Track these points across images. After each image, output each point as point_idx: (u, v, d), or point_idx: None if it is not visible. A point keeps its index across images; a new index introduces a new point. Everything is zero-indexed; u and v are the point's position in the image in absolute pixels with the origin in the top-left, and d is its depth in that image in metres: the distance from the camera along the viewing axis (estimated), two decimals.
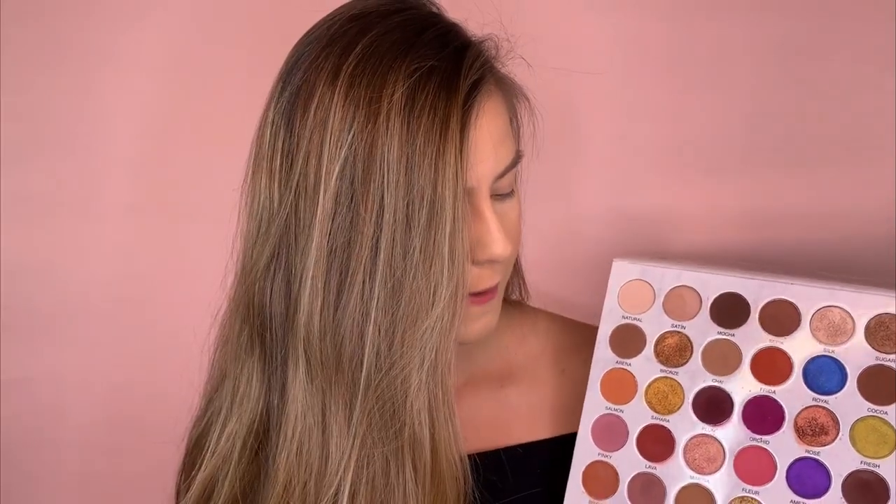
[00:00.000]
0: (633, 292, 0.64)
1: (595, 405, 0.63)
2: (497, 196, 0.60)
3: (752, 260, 0.86)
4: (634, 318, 0.64)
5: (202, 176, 0.91)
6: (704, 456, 0.59)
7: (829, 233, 0.84)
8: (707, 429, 0.59)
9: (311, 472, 0.59)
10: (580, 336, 0.72)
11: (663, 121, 0.89)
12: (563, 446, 0.65)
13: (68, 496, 1.01)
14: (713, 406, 0.60)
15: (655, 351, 0.62)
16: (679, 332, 0.62)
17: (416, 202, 0.53)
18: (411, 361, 0.55)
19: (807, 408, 0.57)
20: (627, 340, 0.63)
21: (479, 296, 0.62)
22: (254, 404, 0.62)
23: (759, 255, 0.86)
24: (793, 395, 0.58)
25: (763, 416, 0.58)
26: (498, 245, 0.58)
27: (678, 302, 0.63)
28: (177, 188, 0.96)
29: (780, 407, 0.58)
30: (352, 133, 0.53)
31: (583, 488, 0.62)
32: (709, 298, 0.62)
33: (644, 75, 0.89)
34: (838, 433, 0.56)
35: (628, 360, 0.63)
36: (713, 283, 0.62)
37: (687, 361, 0.61)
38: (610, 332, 0.64)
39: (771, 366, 0.59)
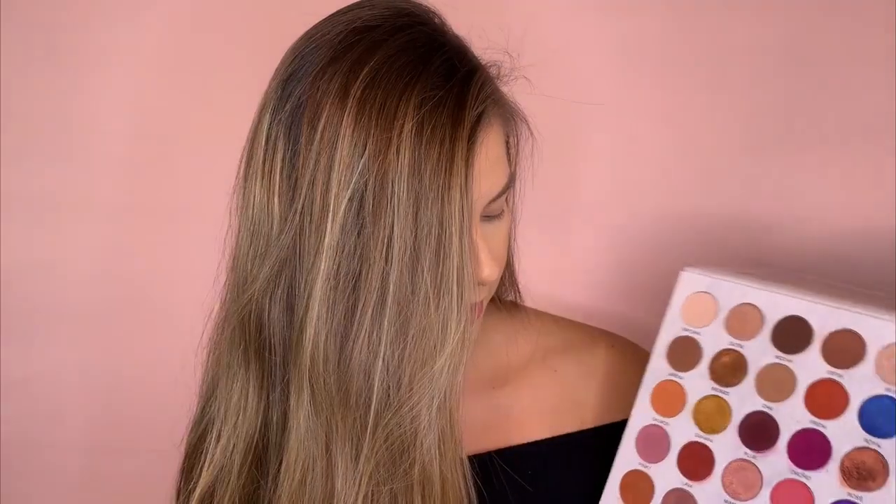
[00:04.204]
0: (697, 304, 0.62)
1: (642, 414, 0.62)
2: (486, 217, 0.59)
3: (766, 265, 0.83)
4: (694, 332, 0.62)
5: (201, 176, 0.87)
6: (742, 482, 0.57)
7: (829, 233, 0.83)
8: (749, 454, 0.57)
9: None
10: (572, 335, 0.71)
11: (662, 122, 0.88)
12: (555, 448, 0.65)
13: (67, 496, 1.00)
14: (759, 432, 0.57)
15: (710, 368, 0.60)
16: (736, 350, 0.59)
17: (422, 236, 0.53)
18: (421, 400, 0.55)
19: (857, 449, 0.53)
20: (684, 353, 0.62)
21: None
22: (251, 419, 0.61)
23: (758, 255, 0.85)
24: (844, 432, 0.54)
25: (809, 449, 0.55)
26: (486, 269, 0.57)
27: (740, 319, 0.60)
28: (176, 188, 0.94)
29: (829, 443, 0.54)
30: (363, 161, 0.52)
31: (619, 494, 0.61)
32: (772, 320, 0.59)
33: (643, 76, 0.87)
34: (886, 480, 0.52)
35: (681, 374, 0.61)
36: (779, 305, 0.59)
37: (740, 382, 0.59)
38: (668, 344, 0.62)
39: (826, 399, 0.55)
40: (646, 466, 0.61)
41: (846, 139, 0.82)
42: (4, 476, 0.98)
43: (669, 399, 0.61)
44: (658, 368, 0.62)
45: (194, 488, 0.63)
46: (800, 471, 0.55)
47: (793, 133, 0.83)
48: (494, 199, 0.58)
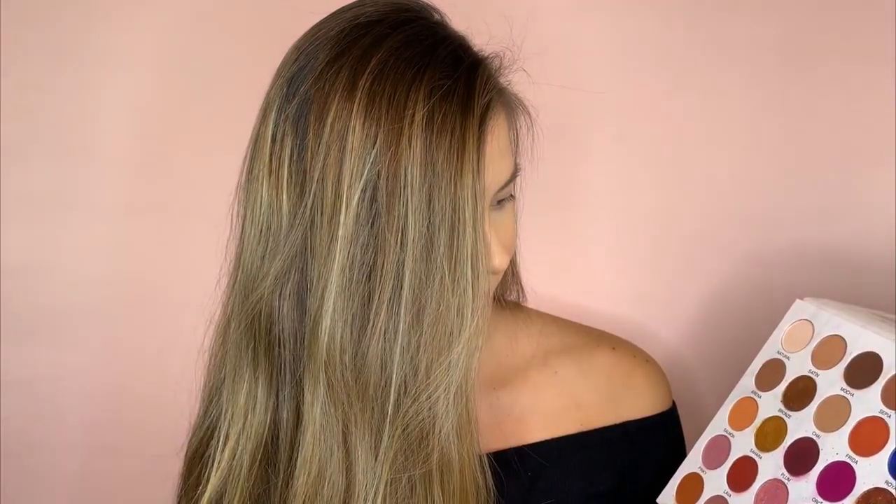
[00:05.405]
0: (798, 331, 0.62)
1: (718, 424, 0.63)
2: (494, 207, 0.59)
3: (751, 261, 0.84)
4: (785, 355, 0.61)
5: (203, 176, 0.86)
6: (770, 501, 0.56)
7: (829, 233, 0.82)
8: (785, 476, 0.56)
9: (336, 497, 0.57)
10: (574, 337, 0.69)
11: (663, 121, 0.86)
12: (555, 449, 0.65)
13: (67, 496, 0.99)
14: (801, 457, 0.56)
15: (784, 391, 0.60)
16: (811, 378, 0.58)
17: (436, 223, 0.53)
18: (439, 387, 0.54)
19: (874, 489, 0.50)
20: (770, 374, 0.62)
21: None
22: (260, 419, 0.60)
23: (759, 255, 0.84)
24: (871, 471, 0.51)
25: (836, 481, 0.53)
26: (497, 258, 0.57)
27: (826, 349, 0.59)
28: (177, 188, 0.93)
29: (854, 479, 0.52)
30: (374, 151, 0.52)
31: (675, 493, 0.63)
32: (852, 353, 0.57)
33: (644, 75, 0.85)
34: None
35: (761, 393, 0.61)
36: (863, 339, 0.56)
37: (803, 408, 0.57)
38: (761, 365, 0.63)
39: (869, 435, 0.53)
40: (703, 471, 0.62)
41: (846, 138, 0.79)
42: (4, 476, 0.96)
43: (744, 414, 0.62)
44: (744, 385, 0.63)
45: (202, 493, 0.62)
46: (820, 499, 0.53)
47: (792, 132, 0.80)
48: (503, 188, 0.58)
